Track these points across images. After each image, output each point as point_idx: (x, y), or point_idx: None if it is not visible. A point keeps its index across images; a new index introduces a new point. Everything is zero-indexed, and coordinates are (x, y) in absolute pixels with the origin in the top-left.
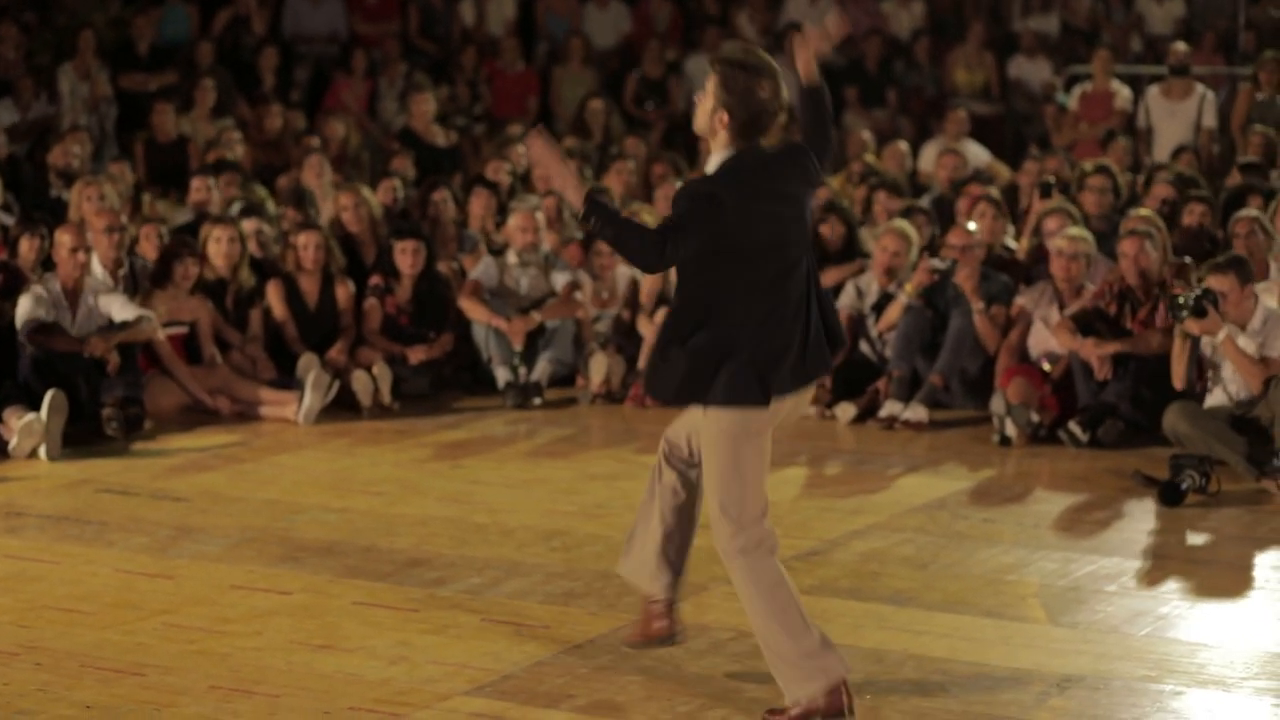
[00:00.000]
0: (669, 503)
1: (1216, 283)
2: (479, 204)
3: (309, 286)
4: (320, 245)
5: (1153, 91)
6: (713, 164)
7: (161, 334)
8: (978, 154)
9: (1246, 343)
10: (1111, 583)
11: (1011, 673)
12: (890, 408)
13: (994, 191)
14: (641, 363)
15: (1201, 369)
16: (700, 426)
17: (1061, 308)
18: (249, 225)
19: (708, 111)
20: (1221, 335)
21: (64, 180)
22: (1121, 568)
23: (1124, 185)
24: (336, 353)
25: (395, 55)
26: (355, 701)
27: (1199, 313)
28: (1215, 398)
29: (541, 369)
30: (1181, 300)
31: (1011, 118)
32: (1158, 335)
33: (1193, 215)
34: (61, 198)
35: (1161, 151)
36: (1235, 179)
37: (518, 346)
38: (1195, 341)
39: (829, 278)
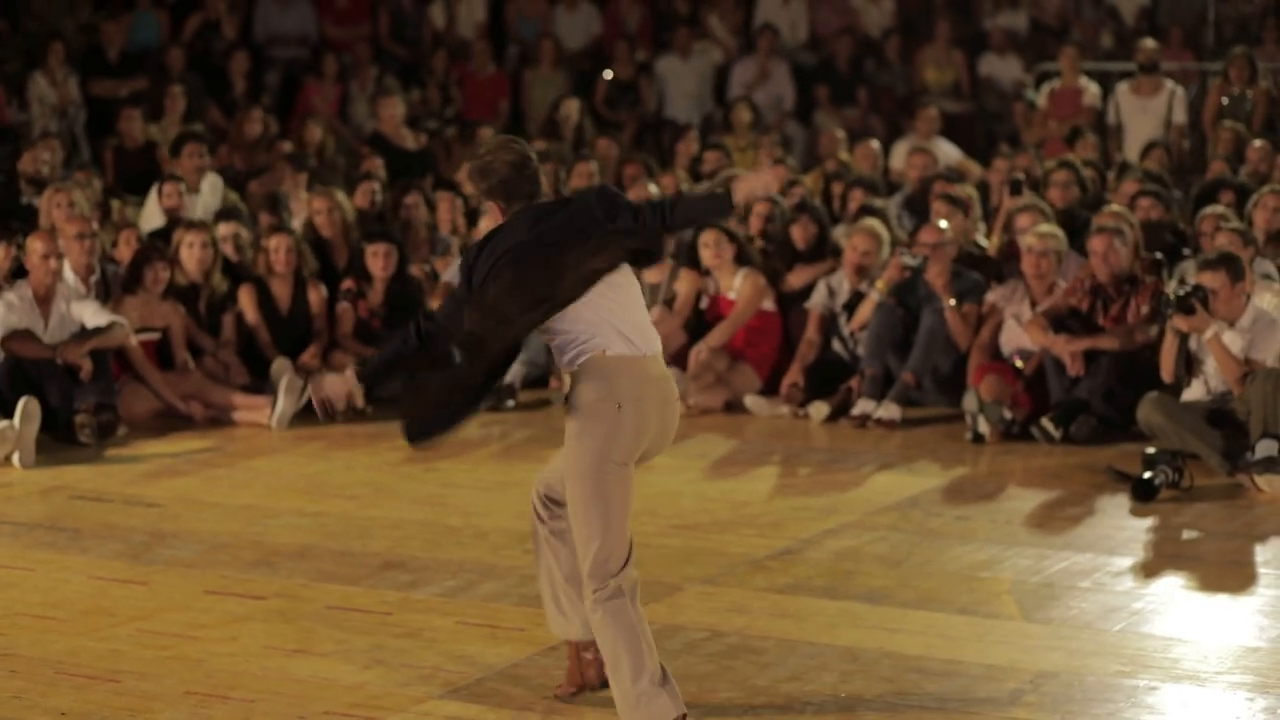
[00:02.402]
0: (556, 547)
1: (1207, 279)
2: (445, 207)
3: (281, 291)
4: (291, 249)
5: (1122, 88)
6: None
7: (134, 340)
8: (948, 152)
9: (1233, 339)
10: (1085, 579)
11: (986, 669)
12: (863, 406)
13: (957, 189)
14: None
15: (1187, 362)
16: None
17: (1033, 304)
18: (225, 229)
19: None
20: (1209, 333)
21: (34, 187)
22: (1095, 563)
23: (1090, 180)
24: (309, 357)
25: (366, 59)
26: (330, 706)
27: (1186, 309)
28: (1194, 390)
29: (515, 371)
30: (1169, 297)
31: (982, 115)
32: (1130, 331)
33: (1142, 210)
34: (32, 204)
35: (1132, 148)
36: (1214, 171)
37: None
38: (1185, 337)
39: (800, 277)
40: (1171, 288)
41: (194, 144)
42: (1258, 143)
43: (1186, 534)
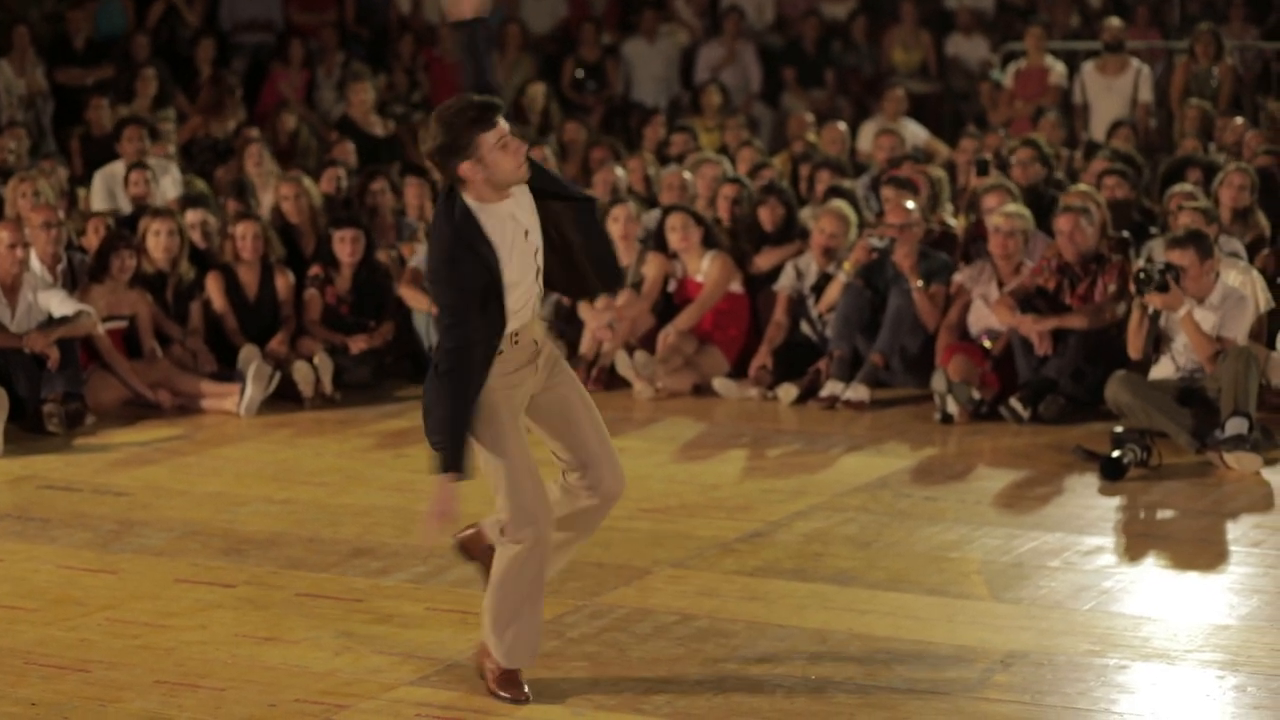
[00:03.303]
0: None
1: (1176, 257)
2: (413, 192)
3: (248, 278)
4: (258, 235)
5: (1088, 68)
6: None
7: (101, 328)
8: (916, 132)
9: (1204, 317)
10: (1054, 558)
11: (956, 650)
12: (831, 388)
13: (922, 171)
14: (583, 348)
15: (1155, 341)
16: None
17: (1000, 285)
18: (193, 216)
19: None
20: (1182, 311)
21: (1, 177)
22: (1064, 543)
23: (1056, 160)
24: (277, 344)
25: (332, 45)
26: (301, 694)
27: (1162, 287)
28: (1162, 368)
29: None
30: (1145, 274)
31: (949, 96)
32: (1097, 310)
33: (1108, 189)
34: None
35: (1098, 127)
36: (1184, 149)
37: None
38: (1156, 315)
39: (767, 259)
40: (1139, 266)
41: (134, 128)
42: (1237, 120)
43: (1155, 512)
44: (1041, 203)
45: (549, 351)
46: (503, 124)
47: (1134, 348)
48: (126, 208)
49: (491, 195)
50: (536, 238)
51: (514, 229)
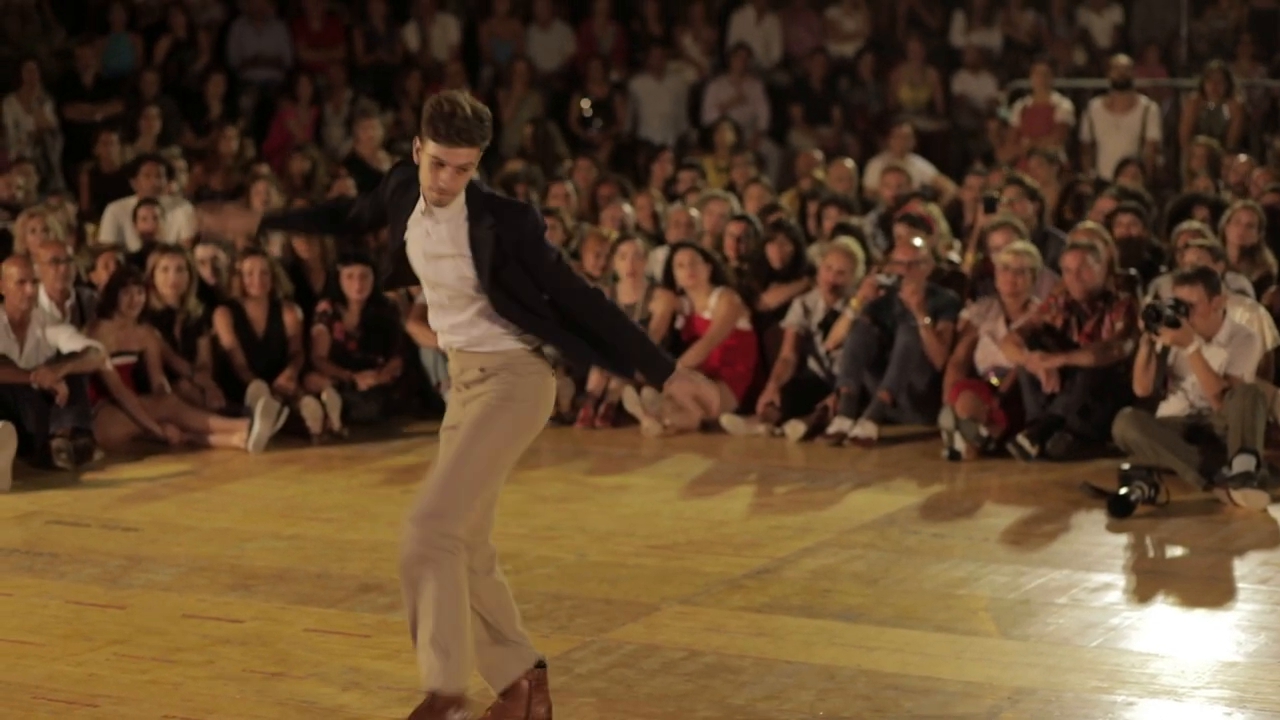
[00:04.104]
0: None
1: (1184, 293)
2: None
3: (256, 313)
4: (266, 271)
5: (1096, 105)
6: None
7: (109, 364)
8: (923, 170)
9: (1212, 354)
10: (1062, 595)
11: (963, 686)
12: (839, 424)
13: (923, 208)
14: (590, 384)
15: (1165, 378)
16: None
17: (1008, 322)
18: (203, 252)
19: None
20: (1192, 348)
21: (9, 212)
22: (1072, 580)
23: (1047, 198)
24: (285, 380)
25: (340, 81)
26: None
27: (1173, 323)
28: (1171, 406)
29: None
30: (1155, 310)
31: (956, 133)
32: (1104, 347)
33: (1121, 226)
34: (6, 230)
35: (1106, 165)
36: (1193, 187)
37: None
38: (1165, 351)
39: (775, 296)
40: (1148, 301)
41: (151, 164)
42: (1242, 158)
43: (1163, 550)
44: (1038, 240)
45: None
46: (455, 150)
47: (1140, 385)
48: (134, 244)
49: (427, 191)
50: (452, 266)
51: (420, 235)
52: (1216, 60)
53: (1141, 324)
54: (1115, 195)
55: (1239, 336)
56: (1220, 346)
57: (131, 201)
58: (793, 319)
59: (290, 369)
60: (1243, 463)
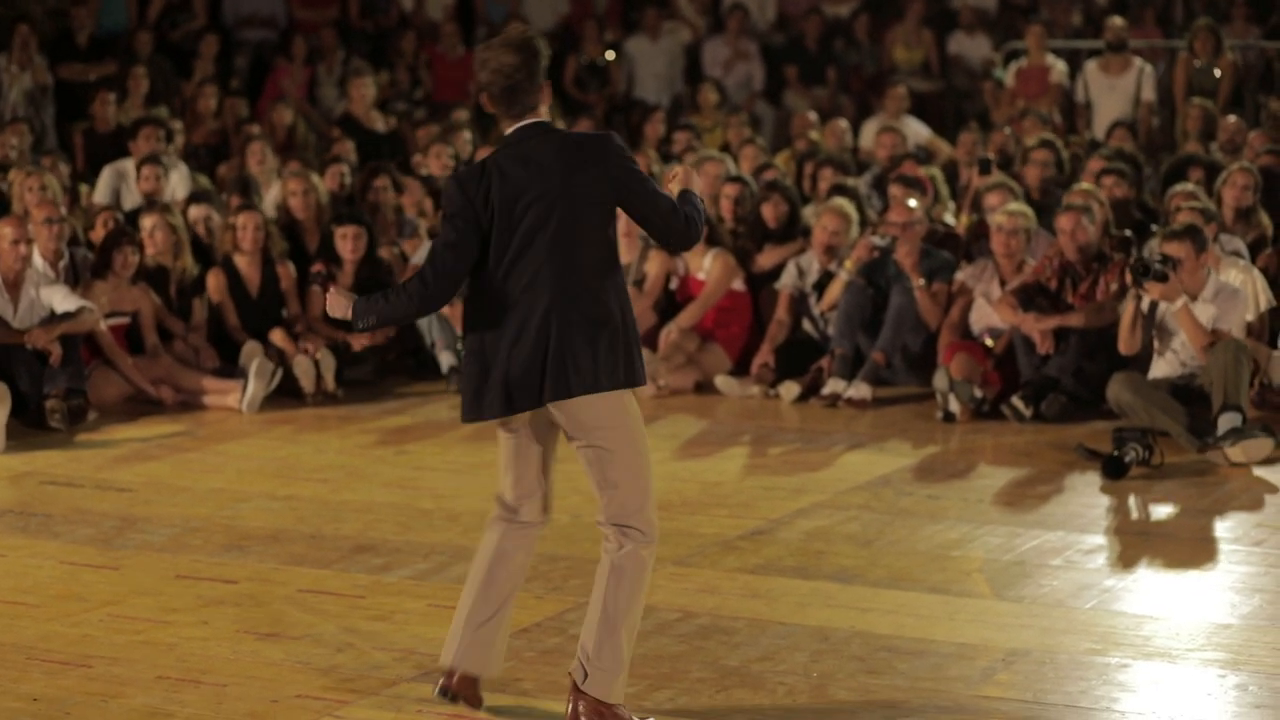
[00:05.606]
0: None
1: (1171, 249)
2: (413, 190)
3: (250, 271)
4: (259, 226)
5: (1091, 66)
6: None
7: (103, 325)
8: (918, 131)
9: (1199, 310)
10: (1056, 556)
11: (957, 648)
12: (833, 386)
13: (923, 172)
14: None
15: (1154, 338)
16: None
17: (1003, 283)
18: (197, 212)
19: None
20: (1179, 303)
21: (2, 172)
22: (1066, 541)
23: (1066, 160)
24: (280, 338)
25: (334, 42)
26: (302, 689)
27: (1161, 277)
28: (1161, 367)
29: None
30: (1143, 265)
31: (951, 94)
32: (1098, 309)
33: (1106, 188)
34: (0, 190)
35: (1101, 126)
36: (1188, 149)
37: (461, 331)
38: (1152, 308)
39: (770, 257)
40: (1135, 258)
41: (151, 127)
42: (1231, 118)
43: (1157, 511)
44: (1049, 201)
45: None
46: None
47: (1125, 343)
48: (128, 204)
49: None
50: None
51: None
52: (1204, 18)
53: (1129, 279)
54: (1105, 156)
55: (1225, 292)
56: (1206, 302)
57: (127, 163)
58: (787, 280)
59: (284, 329)
60: (1228, 420)
